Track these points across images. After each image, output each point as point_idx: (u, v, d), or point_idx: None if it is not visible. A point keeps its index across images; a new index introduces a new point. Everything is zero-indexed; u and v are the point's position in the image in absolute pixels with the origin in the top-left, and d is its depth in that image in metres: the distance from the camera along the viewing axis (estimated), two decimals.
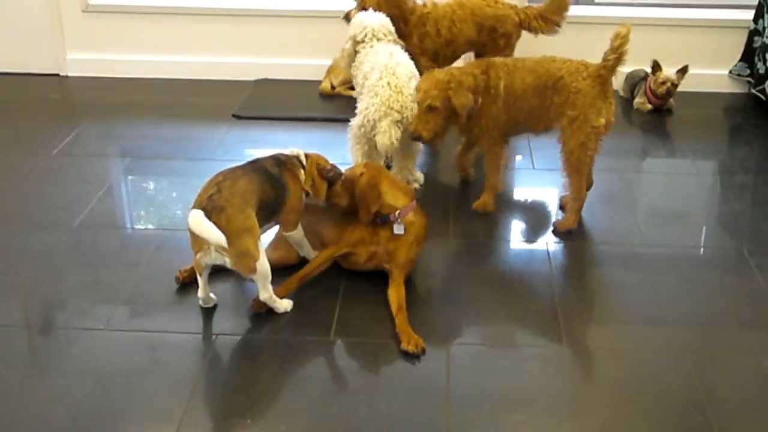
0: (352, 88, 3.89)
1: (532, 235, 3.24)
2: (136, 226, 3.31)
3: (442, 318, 2.67)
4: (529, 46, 3.93)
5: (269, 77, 4.66)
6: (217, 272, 2.72)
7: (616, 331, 2.63)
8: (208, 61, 4.67)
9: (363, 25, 3.44)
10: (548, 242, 3.11)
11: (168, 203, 3.47)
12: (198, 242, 2.47)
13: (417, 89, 3.09)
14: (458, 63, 3.75)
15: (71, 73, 4.70)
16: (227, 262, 2.48)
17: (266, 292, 2.57)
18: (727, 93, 4.54)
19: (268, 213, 2.61)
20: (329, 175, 2.75)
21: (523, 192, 3.58)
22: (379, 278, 2.78)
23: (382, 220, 2.75)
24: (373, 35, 3.41)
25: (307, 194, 2.75)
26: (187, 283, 2.76)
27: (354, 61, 3.45)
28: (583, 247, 3.14)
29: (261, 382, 2.39)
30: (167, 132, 4.10)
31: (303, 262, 2.83)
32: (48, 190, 3.46)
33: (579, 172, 3.10)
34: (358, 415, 2.26)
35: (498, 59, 3.18)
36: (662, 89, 4.20)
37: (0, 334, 2.58)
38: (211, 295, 2.67)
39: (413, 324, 2.57)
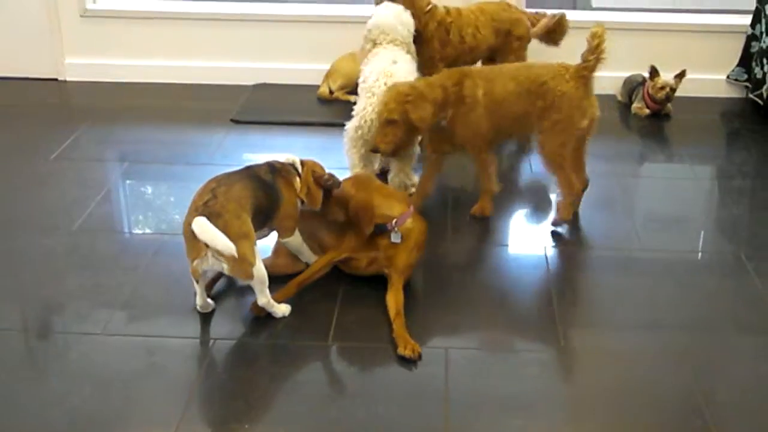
0: (351, 93, 3.89)
1: (529, 239, 3.24)
2: (134, 231, 3.31)
3: (441, 322, 2.67)
4: (529, 50, 3.95)
5: (267, 82, 4.66)
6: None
7: (614, 336, 2.63)
8: (207, 66, 4.67)
9: (376, 24, 3.45)
10: (546, 247, 3.11)
11: (166, 208, 3.47)
12: (195, 249, 2.46)
13: (379, 102, 3.06)
14: None
15: (69, 77, 4.70)
16: (224, 268, 2.48)
17: (264, 297, 2.57)
18: (724, 98, 4.55)
19: (261, 219, 2.61)
20: (327, 184, 2.74)
21: (520, 196, 3.58)
22: (377, 283, 2.78)
23: (379, 230, 2.76)
24: (390, 40, 3.42)
25: (303, 202, 2.74)
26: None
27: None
28: (581, 252, 3.14)
29: (259, 387, 2.39)
30: (165, 136, 4.10)
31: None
32: (46, 194, 3.46)
33: (562, 168, 3.12)
34: (357, 419, 2.26)
35: (474, 68, 3.18)
36: (661, 94, 4.20)
37: None
38: (209, 300, 2.67)
39: (411, 328, 2.57)
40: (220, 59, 4.67)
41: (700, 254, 3.18)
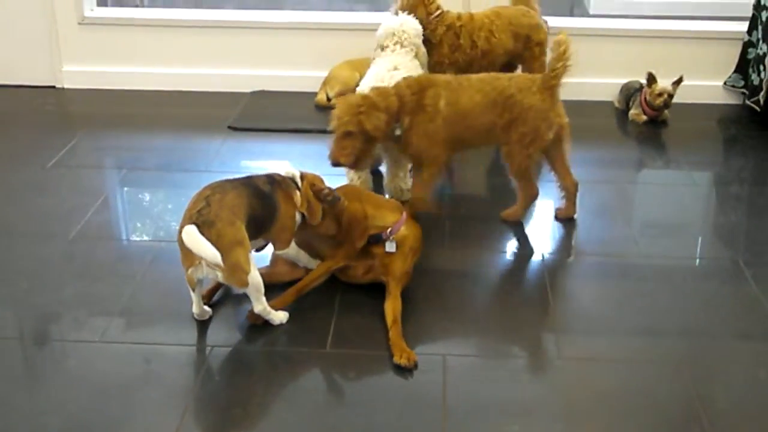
0: None
1: (527, 246, 3.24)
2: (131, 238, 3.31)
3: (438, 329, 2.67)
4: None
5: (265, 89, 4.66)
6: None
7: (612, 343, 2.63)
8: (204, 73, 4.67)
9: (385, 29, 3.49)
10: (544, 253, 3.11)
11: (164, 215, 3.47)
12: (189, 257, 2.46)
13: (333, 116, 3.04)
14: None
15: (67, 85, 4.70)
16: (219, 276, 2.47)
17: (260, 305, 2.56)
18: (721, 104, 4.56)
19: (255, 229, 2.59)
20: (327, 200, 2.72)
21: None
22: (375, 290, 2.77)
23: (374, 240, 2.75)
24: (397, 42, 3.45)
25: (303, 216, 2.72)
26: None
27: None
28: (579, 259, 3.14)
29: (257, 395, 2.39)
30: (163, 144, 4.10)
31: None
32: (43, 201, 3.45)
33: (527, 178, 3.17)
34: (355, 426, 2.26)
35: (441, 77, 3.16)
36: (659, 101, 4.21)
37: None
38: (206, 308, 2.66)
39: (409, 335, 2.57)
40: (217, 67, 4.67)
41: (698, 260, 3.18)
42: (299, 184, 2.71)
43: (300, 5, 6.68)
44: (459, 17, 3.76)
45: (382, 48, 3.50)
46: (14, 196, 3.50)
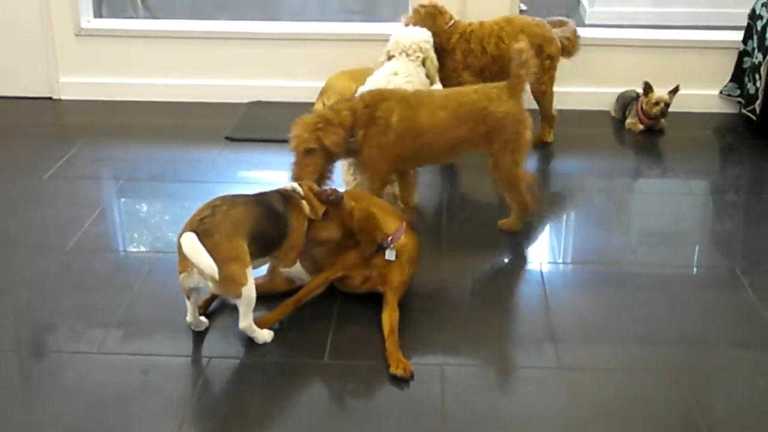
0: None
1: (524, 255, 3.24)
2: (128, 249, 3.30)
3: (436, 339, 2.66)
4: None
5: (262, 99, 4.67)
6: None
7: (610, 352, 2.63)
8: (201, 84, 4.68)
9: (394, 40, 3.55)
10: (542, 263, 3.11)
11: (161, 226, 3.47)
12: (183, 263, 2.46)
13: (290, 136, 3.03)
14: None
15: (64, 96, 4.70)
16: (210, 286, 2.47)
17: (245, 321, 2.54)
18: (717, 113, 4.57)
19: (263, 247, 2.58)
20: (330, 199, 2.71)
21: None
22: (372, 300, 2.77)
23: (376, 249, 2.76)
24: (402, 50, 3.51)
25: (310, 221, 2.71)
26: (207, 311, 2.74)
27: None
28: (577, 268, 3.14)
29: (254, 406, 2.38)
30: (160, 154, 4.10)
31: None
32: (41, 213, 3.45)
33: (516, 186, 3.17)
34: None
35: (399, 92, 3.16)
36: (656, 110, 4.22)
37: None
38: (203, 318, 2.66)
39: (407, 345, 2.56)
40: (214, 77, 4.68)
41: (695, 269, 3.18)
42: (301, 192, 2.72)
43: (297, 16, 6.70)
44: (470, 24, 3.84)
45: (389, 57, 3.55)
46: (11, 207, 3.50)
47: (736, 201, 3.72)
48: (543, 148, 4.11)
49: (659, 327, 2.73)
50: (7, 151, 4.09)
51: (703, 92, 4.54)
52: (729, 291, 2.96)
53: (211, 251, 2.38)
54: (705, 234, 3.48)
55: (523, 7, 4.54)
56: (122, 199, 3.67)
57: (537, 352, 2.61)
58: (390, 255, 2.74)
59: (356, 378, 2.49)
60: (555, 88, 4.02)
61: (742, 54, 4.43)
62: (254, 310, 2.57)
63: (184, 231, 2.45)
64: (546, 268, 3.08)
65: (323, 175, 3.04)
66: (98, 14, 4.86)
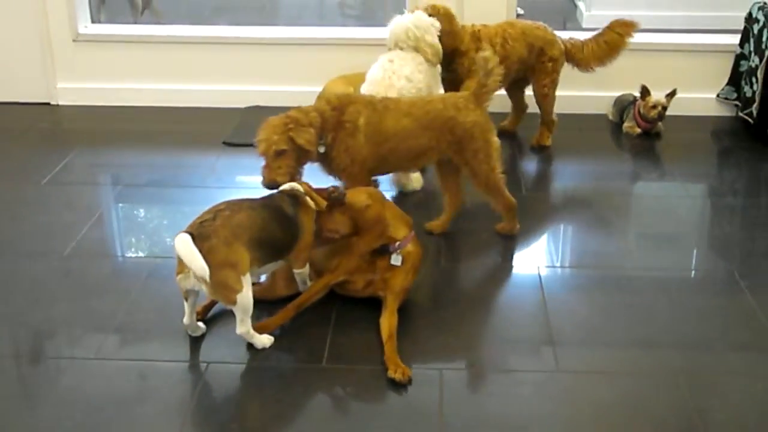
0: None
1: (523, 259, 3.24)
2: (126, 254, 3.30)
3: (435, 343, 2.66)
4: None
5: (259, 104, 4.67)
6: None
7: (608, 355, 2.63)
8: (198, 89, 4.68)
9: (389, 32, 3.62)
10: (539, 266, 3.11)
11: (159, 231, 3.47)
12: (181, 264, 2.46)
13: (257, 141, 3.01)
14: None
15: (62, 101, 4.70)
16: (204, 290, 2.47)
17: (243, 327, 2.54)
18: (714, 116, 4.57)
19: (272, 252, 2.59)
20: (332, 196, 2.72)
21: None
22: (371, 305, 2.77)
23: (382, 249, 2.75)
24: (395, 41, 3.58)
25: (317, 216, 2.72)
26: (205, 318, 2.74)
27: None
28: (575, 271, 3.14)
29: (253, 411, 2.38)
30: (158, 160, 4.10)
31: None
32: (38, 218, 3.45)
33: (499, 190, 3.17)
34: None
35: (364, 96, 3.18)
36: (653, 113, 4.23)
37: None
38: (200, 324, 2.65)
39: (406, 349, 2.56)
40: (211, 82, 4.68)
41: (693, 272, 3.18)
42: (302, 190, 2.73)
43: (294, 21, 6.70)
44: (473, 26, 3.90)
45: (389, 49, 3.62)
46: (9, 213, 3.50)
47: (734, 204, 3.72)
48: (541, 151, 4.11)
49: (657, 330, 2.74)
50: (4, 157, 4.08)
51: (700, 95, 4.55)
52: (727, 294, 2.96)
53: (206, 255, 2.38)
54: (703, 237, 3.48)
55: (521, 11, 4.55)
56: (120, 205, 3.67)
57: (535, 355, 2.61)
58: (396, 260, 2.74)
59: (355, 382, 2.48)
60: None
61: (739, 57, 4.44)
62: (255, 316, 2.57)
63: (182, 231, 2.45)
64: (544, 272, 3.08)
65: (294, 178, 3.02)
66: (96, 20, 4.85)
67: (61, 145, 4.20)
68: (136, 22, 6.10)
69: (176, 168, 3.96)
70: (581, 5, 6.68)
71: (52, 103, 4.71)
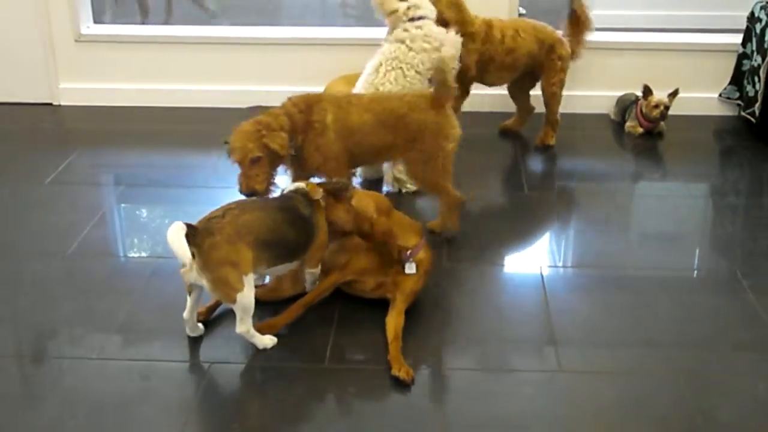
0: None
1: (525, 259, 3.24)
2: (129, 254, 3.30)
3: (437, 343, 2.67)
4: None
5: (262, 104, 4.66)
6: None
7: (611, 355, 2.63)
8: (201, 89, 4.68)
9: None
10: (542, 266, 3.11)
11: (161, 231, 3.44)
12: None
13: (231, 149, 2.99)
14: None
15: (64, 102, 4.71)
16: (205, 285, 2.47)
17: (243, 326, 2.54)
18: (717, 116, 4.57)
19: (283, 253, 2.60)
20: (336, 188, 2.74)
21: (515, 216, 3.58)
22: (374, 305, 2.77)
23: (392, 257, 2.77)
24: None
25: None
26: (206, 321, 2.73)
27: None
28: (577, 271, 3.14)
29: (255, 410, 2.38)
30: (160, 160, 4.10)
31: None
32: (41, 218, 3.45)
33: (440, 187, 3.17)
34: None
35: (328, 94, 3.17)
36: (656, 112, 4.22)
37: None
38: (199, 325, 2.65)
39: (409, 349, 2.56)
40: (213, 82, 4.68)
41: (695, 272, 3.18)
42: (306, 188, 2.74)
43: (296, 21, 6.70)
44: (486, 17, 3.93)
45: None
46: (12, 213, 3.50)
47: (736, 203, 3.72)
48: (545, 151, 4.11)
49: (660, 330, 2.73)
50: (7, 157, 4.09)
51: (702, 95, 4.55)
52: (730, 294, 2.96)
53: (207, 251, 2.40)
54: (705, 237, 3.48)
55: (522, 10, 4.55)
56: (122, 205, 3.67)
57: (538, 355, 2.61)
58: (410, 269, 2.75)
59: (357, 382, 2.49)
60: None
61: (741, 57, 4.44)
62: (258, 316, 2.57)
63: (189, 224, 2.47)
64: (546, 272, 3.08)
65: (270, 181, 3.03)
66: (98, 20, 4.85)
67: (64, 145, 4.20)
68: (143, 23, 6.10)
69: (178, 168, 3.96)
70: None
71: (55, 103, 4.71)
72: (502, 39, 3.87)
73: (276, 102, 4.60)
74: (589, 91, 4.48)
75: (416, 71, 3.47)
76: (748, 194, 3.82)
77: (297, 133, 3.04)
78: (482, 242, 3.29)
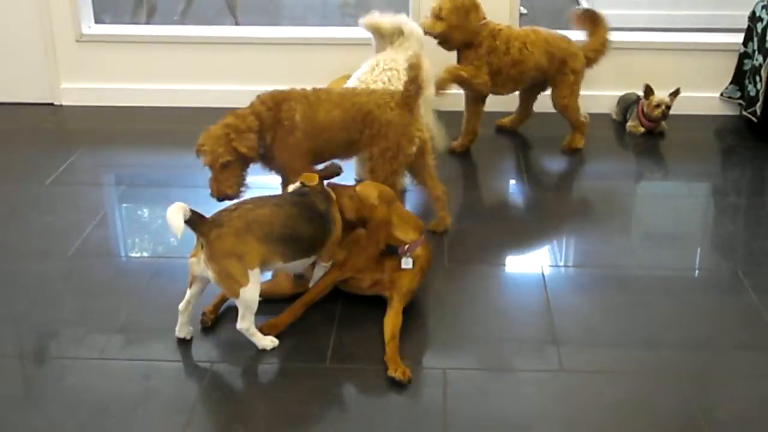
0: None
1: (526, 259, 3.24)
2: (130, 255, 3.30)
3: (438, 343, 2.67)
4: None
5: None
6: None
7: (612, 355, 2.63)
8: (202, 89, 4.68)
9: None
10: (543, 266, 3.11)
11: (163, 231, 3.46)
12: (195, 248, 2.50)
13: (200, 152, 3.00)
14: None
15: (65, 102, 4.71)
16: (210, 276, 2.48)
17: (244, 322, 2.54)
18: (718, 115, 4.56)
19: (301, 248, 2.61)
20: (330, 171, 2.83)
21: (516, 215, 3.58)
22: (375, 304, 2.77)
23: (390, 251, 2.76)
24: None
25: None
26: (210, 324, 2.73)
27: None
28: (578, 271, 3.14)
29: (257, 411, 2.38)
30: (162, 160, 4.10)
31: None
32: (42, 218, 3.45)
33: (395, 186, 3.13)
34: None
35: (296, 92, 3.15)
36: (657, 112, 4.22)
37: None
38: (189, 327, 2.64)
39: (409, 349, 2.57)
40: (215, 82, 4.68)
41: (697, 271, 3.18)
42: (308, 185, 2.75)
43: (297, 21, 6.70)
44: (499, 25, 3.88)
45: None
46: (13, 213, 3.50)
47: (738, 203, 3.72)
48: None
49: (661, 330, 2.73)
50: (8, 158, 4.09)
51: (703, 95, 4.54)
52: (731, 294, 2.96)
53: (213, 241, 2.42)
54: (707, 236, 3.48)
55: (524, 10, 4.54)
56: (124, 205, 3.67)
57: (539, 355, 2.61)
58: (406, 264, 2.75)
59: (359, 382, 2.49)
60: None
61: (743, 56, 4.43)
62: (259, 317, 2.57)
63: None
64: (548, 272, 3.08)
65: (241, 185, 3.03)
66: (99, 20, 4.84)
67: (65, 145, 4.20)
68: (148, 23, 6.10)
69: (180, 168, 3.96)
70: (584, 4, 6.67)
71: (56, 103, 4.71)
72: (507, 50, 3.82)
73: None
74: (590, 90, 4.47)
75: None
76: (749, 194, 3.82)
77: (266, 131, 3.03)
78: (482, 242, 3.29)
